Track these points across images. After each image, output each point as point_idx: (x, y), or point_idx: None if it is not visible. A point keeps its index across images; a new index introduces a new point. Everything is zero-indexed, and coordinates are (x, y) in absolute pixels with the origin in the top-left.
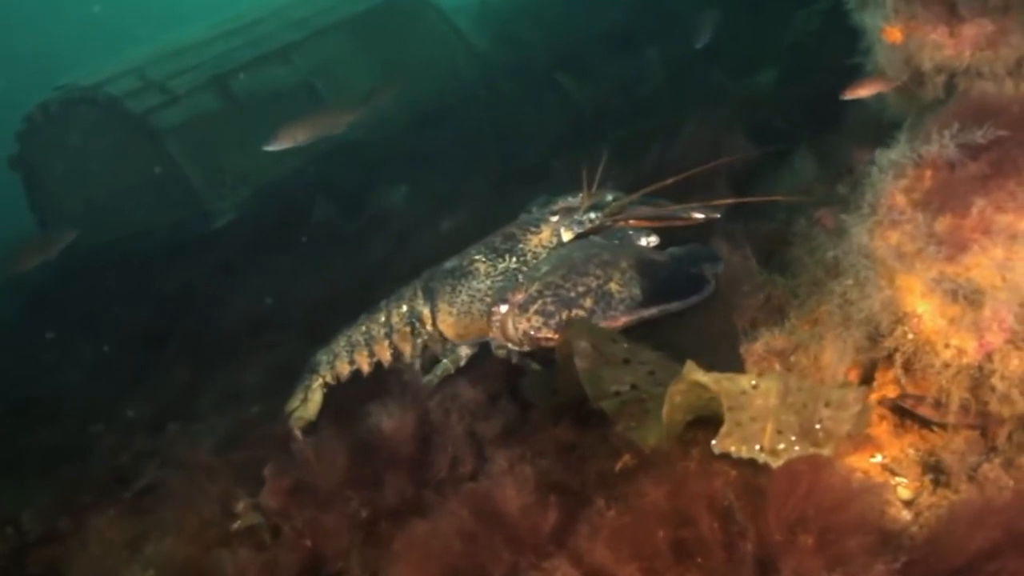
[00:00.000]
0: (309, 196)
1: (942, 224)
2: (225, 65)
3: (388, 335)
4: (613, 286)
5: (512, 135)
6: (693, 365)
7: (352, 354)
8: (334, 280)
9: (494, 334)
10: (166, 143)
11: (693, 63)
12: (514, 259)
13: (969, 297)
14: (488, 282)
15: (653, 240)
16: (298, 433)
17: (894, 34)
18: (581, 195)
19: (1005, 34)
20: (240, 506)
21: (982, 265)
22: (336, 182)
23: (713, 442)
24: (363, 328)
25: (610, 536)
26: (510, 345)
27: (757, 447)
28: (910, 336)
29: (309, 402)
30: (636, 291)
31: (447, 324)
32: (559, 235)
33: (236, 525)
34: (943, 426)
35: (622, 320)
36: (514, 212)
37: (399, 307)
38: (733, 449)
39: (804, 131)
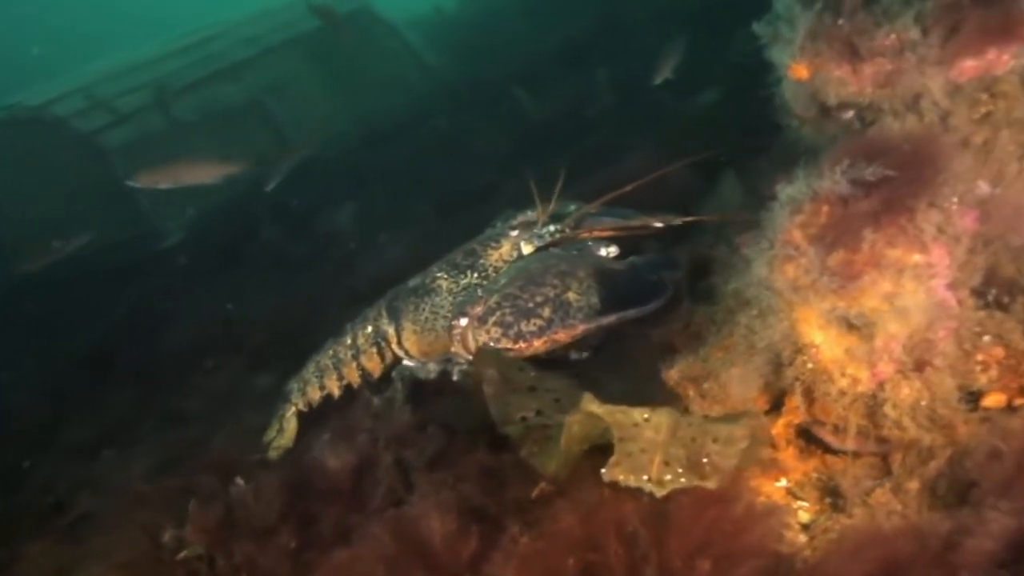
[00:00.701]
0: (257, 216)
1: (835, 258)
2: (175, 83)
3: (355, 357)
4: (571, 295)
5: (462, 153)
6: (590, 397)
7: (322, 379)
8: (277, 302)
9: (455, 348)
10: (113, 163)
11: (642, 82)
12: (475, 275)
13: (862, 328)
14: (450, 299)
15: (613, 250)
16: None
17: (800, 71)
18: (539, 208)
19: (900, 73)
20: (166, 536)
21: (872, 298)
22: (286, 201)
23: (603, 471)
24: (330, 352)
25: (520, 563)
26: (468, 356)
27: (644, 477)
28: (809, 365)
29: (285, 431)
30: (594, 299)
31: (412, 342)
32: (519, 249)
33: (182, 555)
34: (844, 452)
35: (580, 328)
36: (461, 231)
37: (364, 328)
38: (621, 478)
39: (737, 154)
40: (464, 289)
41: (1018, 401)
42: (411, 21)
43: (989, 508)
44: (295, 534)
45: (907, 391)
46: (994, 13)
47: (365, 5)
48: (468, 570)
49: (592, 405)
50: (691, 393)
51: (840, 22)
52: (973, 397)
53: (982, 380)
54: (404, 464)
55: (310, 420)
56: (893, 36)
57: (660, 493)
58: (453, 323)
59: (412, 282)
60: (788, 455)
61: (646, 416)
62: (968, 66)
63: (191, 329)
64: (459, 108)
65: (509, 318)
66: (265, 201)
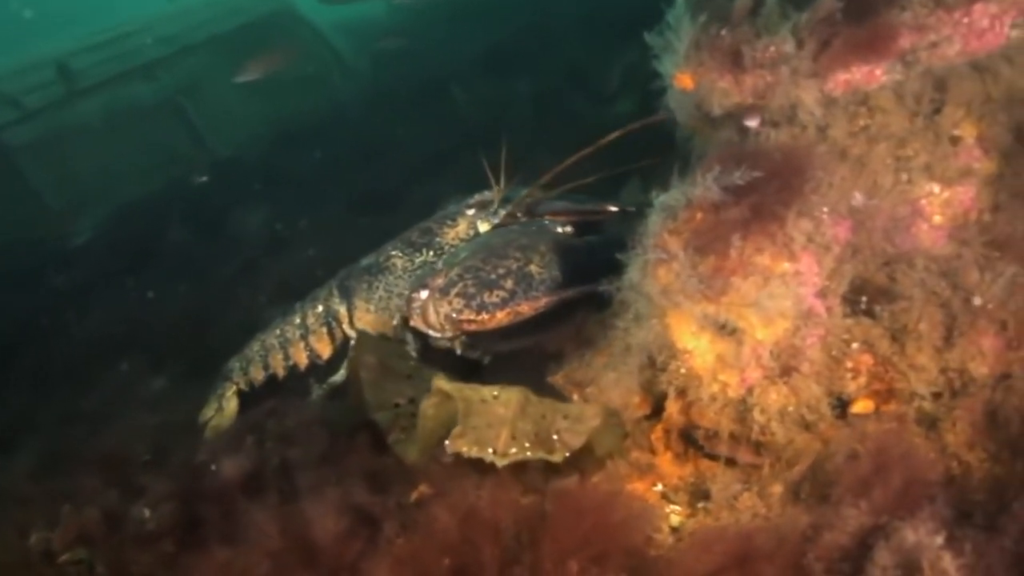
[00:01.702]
0: (168, 216)
1: (706, 264)
2: (85, 80)
3: (304, 336)
4: (533, 268)
5: (378, 155)
6: (441, 377)
7: (266, 358)
8: (182, 303)
9: (415, 322)
10: (17, 160)
11: (562, 90)
12: (431, 253)
13: (731, 334)
14: (405, 277)
15: (569, 230)
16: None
17: (685, 80)
18: (496, 189)
19: (776, 85)
20: (32, 539)
21: (740, 304)
22: (199, 201)
23: (446, 443)
24: (277, 331)
25: (394, 563)
26: (432, 332)
27: (490, 450)
28: (682, 371)
29: (224, 410)
30: (556, 273)
31: (365, 322)
32: (476, 228)
33: (64, 558)
34: (719, 457)
35: (543, 300)
36: (373, 233)
37: (314, 307)
38: (464, 449)
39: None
40: (419, 267)
41: (886, 407)
42: (337, 24)
43: (848, 506)
44: (177, 540)
45: (775, 396)
46: (864, 29)
47: (288, 6)
48: (347, 570)
49: (442, 383)
50: (575, 397)
51: (723, 32)
52: (843, 404)
53: (851, 387)
54: (289, 464)
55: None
56: (772, 48)
57: (501, 463)
58: (413, 295)
59: (365, 261)
60: (665, 460)
61: (495, 394)
62: (841, 79)
63: (94, 329)
64: (379, 111)
65: (471, 289)
66: (177, 201)
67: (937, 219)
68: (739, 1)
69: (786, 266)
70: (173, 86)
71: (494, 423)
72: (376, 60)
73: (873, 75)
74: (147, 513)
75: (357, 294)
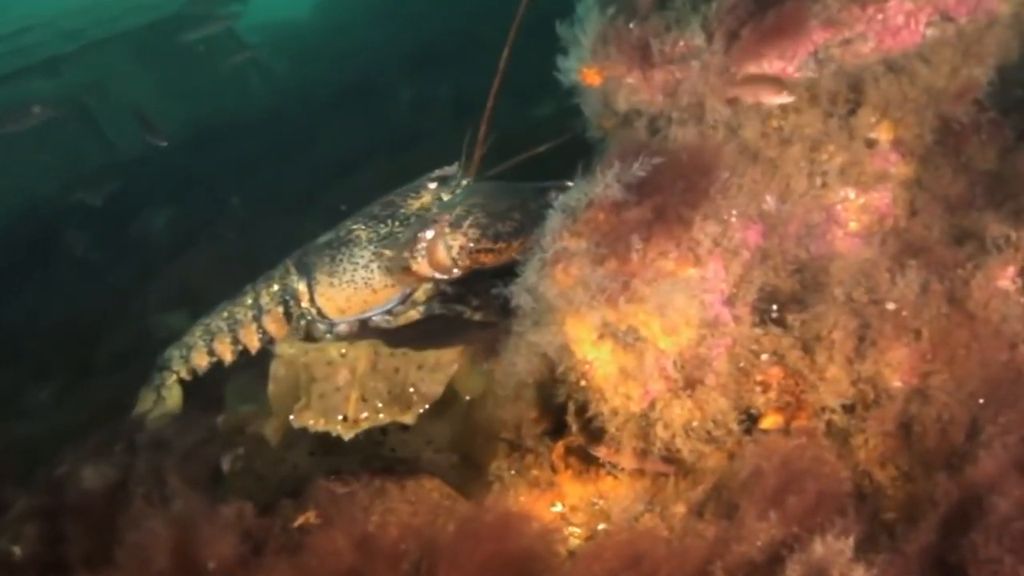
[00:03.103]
0: (65, 220)
1: (607, 268)
2: None
3: (256, 318)
4: (532, 205)
5: (293, 157)
6: (288, 340)
7: (211, 343)
8: (73, 310)
9: (418, 266)
10: None
11: (485, 93)
12: (396, 223)
13: (633, 344)
14: (372, 248)
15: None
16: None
17: (591, 76)
18: (457, 163)
19: (684, 81)
20: None
21: (642, 311)
22: (103, 203)
23: (291, 417)
24: (224, 314)
25: None
26: (438, 274)
27: (339, 417)
28: (583, 383)
29: (167, 399)
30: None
31: (327, 297)
32: (440, 199)
33: None
34: (620, 474)
35: None
36: (281, 237)
37: (269, 287)
38: (311, 422)
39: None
40: (385, 238)
41: (796, 423)
42: (258, 26)
43: (756, 519)
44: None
45: (679, 411)
46: (773, 18)
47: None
48: None
49: (285, 346)
50: None
51: (631, 26)
52: (751, 418)
53: (760, 401)
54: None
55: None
56: (681, 42)
57: (349, 435)
58: (419, 235)
59: (323, 238)
60: (566, 478)
61: (343, 351)
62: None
63: None
64: (295, 112)
65: (484, 220)
66: (76, 204)
67: (853, 225)
68: None
69: (691, 271)
70: (77, 83)
71: (343, 386)
72: (295, 61)
73: (785, 73)
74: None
75: (319, 268)
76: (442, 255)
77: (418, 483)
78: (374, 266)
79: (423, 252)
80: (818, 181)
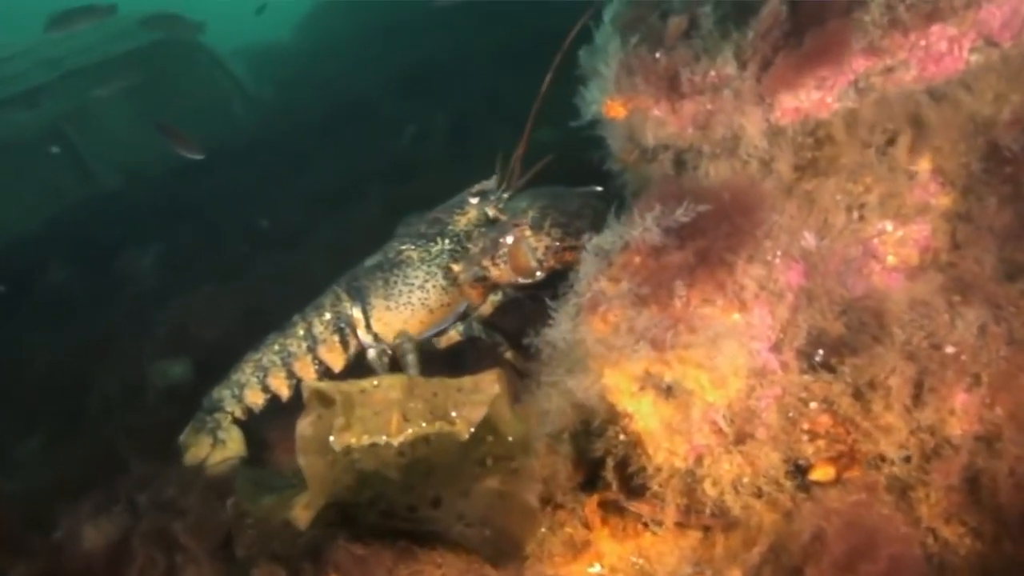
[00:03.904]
0: (49, 256)
1: (648, 316)
2: None
3: (311, 349)
4: (594, 203)
5: (282, 189)
6: (312, 381)
7: (265, 379)
8: (58, 354)
9: (499, 275)
10: None
11: (480, 117)
12: (447, 241)
13: (677, 396)
14: (425, 268)
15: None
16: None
17: (616, 108)
18: (495, 177)
19: (717, 113)
20: None
21: (688, 362)
22: (87, 238)
23: (331, 438)
24: (276, 347)
25: None
26: (521, 279)
27: (383, 437)
28: (622, 437)
29: (226, 442)
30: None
31: (384, 321)
32: (485, 213)
33: None
34: (661, 528)
35: None
36: (275, 276)
37: (320, 315)
38: (354, 441)
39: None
40: (437, 257)
41: (848, 474)
42: (239, 50)
43: None
44: None
45: (728, 466)
46: (812, 46)
47: (185, 30)
48: None
49: (314, 384)
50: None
51: (658, 55)
52: (800, 469)
53: (808, 451)
54: (168, 536)
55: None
56: (712, 72)
57: (397, 441)
58: (500, 240)
59: (370, 261)
60: (603, 535)
61: (375, 382)
62: (790, 107)
63: None
64: (284, 140)
65: (562, 219)
66: (60, 239)
67: (891, 259)
68: (673, 20)
69: (736, 317)
70: (56, 113)
71: (382, 409)
72: (281, 86)
73: (824, 103)
74: None
75: (372, 293)
76: (526, 258)
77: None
78: (429, 285)
79: (505, 257)
80: (855, 215)
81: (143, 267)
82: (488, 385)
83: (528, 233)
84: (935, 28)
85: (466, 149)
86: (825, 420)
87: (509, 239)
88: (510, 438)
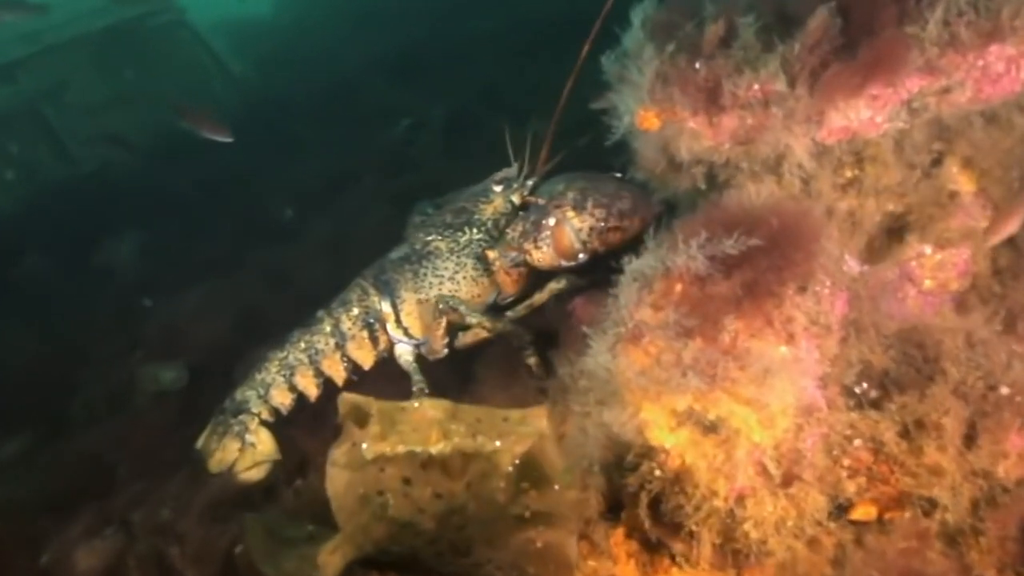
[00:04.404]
0: (22, 244)
1: (693, 349)
2: None
3: (340, 346)
4: (628, 184)
5: (271, 180)
6: (350, 395)
7: (292, 378)
8: (36, 351)
9: (540, 259)
10: None
11: (477, 108)
12: (474, 230)
13: (720, 433)
14: (455, 259)
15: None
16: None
17: (649, 120)
18: (516, 164)
19: (763, 129)
20: None
21: (735, 399)
22: (66, 225)
23: (364, 445)
24: (302, 345)
25: None
26: (563, 262)
27: (421, 448)
28: (657, 473)
29: (256, 445)
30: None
31: (415, 316)
32: (510, 200)
33: None
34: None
35: (653, 212)
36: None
37: (348, 311)
38: (388, 449)
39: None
40: (466, 246)
41: (891, 515)
42: (217, 24)
43: None
44: None
45: (772, 508)
46: (865, 62)
47: (166, 4)
48: None
49: (353, 396)
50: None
51: (698, 66)
52: (840, 508)
53: (850, 489)
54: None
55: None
56: (756, 86)
57: (437, 449)
58: (543, 223)
59: (395, 254)
60: (627, 569)
61: (416, 404)
62: (837, 127)
63: None
64: (273, 124)
65: (604, 199)
66: (34, 226)
67: (928, 283)
68: (710, 28)
69: (784, 351)
70: (32, 90)
71: (420, 426)
72: (262, 65)
73: (873, 123)
74: None
75: (402, 286)
76: (570, 240)
77: None
78: (460, 276)
79: (548, 240)
80: (895, 236)
81: (125, 257)
82: (537, 419)
83: (571, 214)
84: (994, 48)
85: (463, 143)
86: (866, 457)
87: (551, 220)
88: (555, 485)
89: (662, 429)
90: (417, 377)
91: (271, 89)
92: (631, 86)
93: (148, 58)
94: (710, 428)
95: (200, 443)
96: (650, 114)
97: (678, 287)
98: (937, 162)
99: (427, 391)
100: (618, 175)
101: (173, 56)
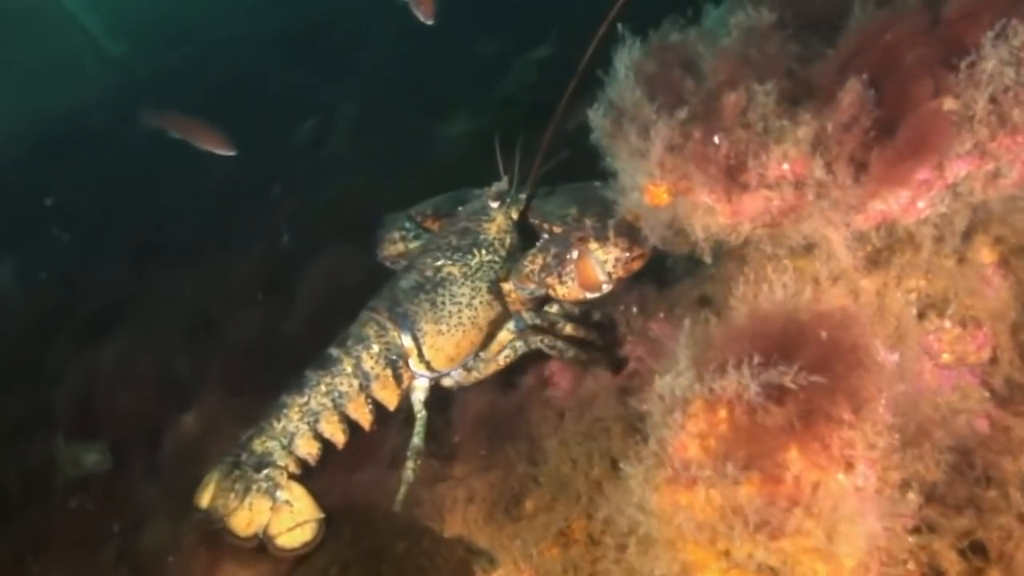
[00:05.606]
0: None
1: (749, 488)
2: None
3: (364, 388)
4: None
5: (168, 182)
6: None
7: (316, 426)
8: None
9: (565, 294)
10: None
11: (391, 102)
12: (483, 251)
13: None
14: (470, 284)
15: None
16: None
17: (660, 196)
18: (506, 178)
19: (794, 215)
20: None
21: (801, 542)
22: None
23: None
24: (322, 388)
25: None
26: (587, 295)
27: None
28: None
29: (293, 503)
30: None
31: (437, 347)
32: (510, 216)
33: None
34: None
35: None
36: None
37: (367, 349)
38: None
39: None
40: (479, 269)
41: None
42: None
43: None
44: None
45: None
46: (908, 143)
47: None
48: None
49: None
50: None
51: (716, 140)
52: None
53: None
54: None
55: None
56: (786, 166)
57: None
58: (567, 257)
59: (404, 283)
60: None
61: None
62: (875, 211)
63: None
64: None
65: (624, 226)
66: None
67: (946, 357)
68: (728, 96)
69: (842, 480)
70: None
71: None
72: (139, 45)
73: (913, 207)
74: None
75: (421, 318)
76: (595, 273)
77: None
78: (476, 302)
79: (572, 275)
80: (919, 315)
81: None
82: None
83: (594, 246)
84: None
85: (379, 144)
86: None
87: (575, 254)
88: None
89: (712, 572)
90: (419, 428)
91: (154, 73)
92: (634, 154)
93: (8, 35)
94: (770, 572)
95: (205, 501)
96: (660, 190)
97: (722, 413)
98: (966, 237)
99: (421, 449)
100: (596, 184)
101: (37, 33)
